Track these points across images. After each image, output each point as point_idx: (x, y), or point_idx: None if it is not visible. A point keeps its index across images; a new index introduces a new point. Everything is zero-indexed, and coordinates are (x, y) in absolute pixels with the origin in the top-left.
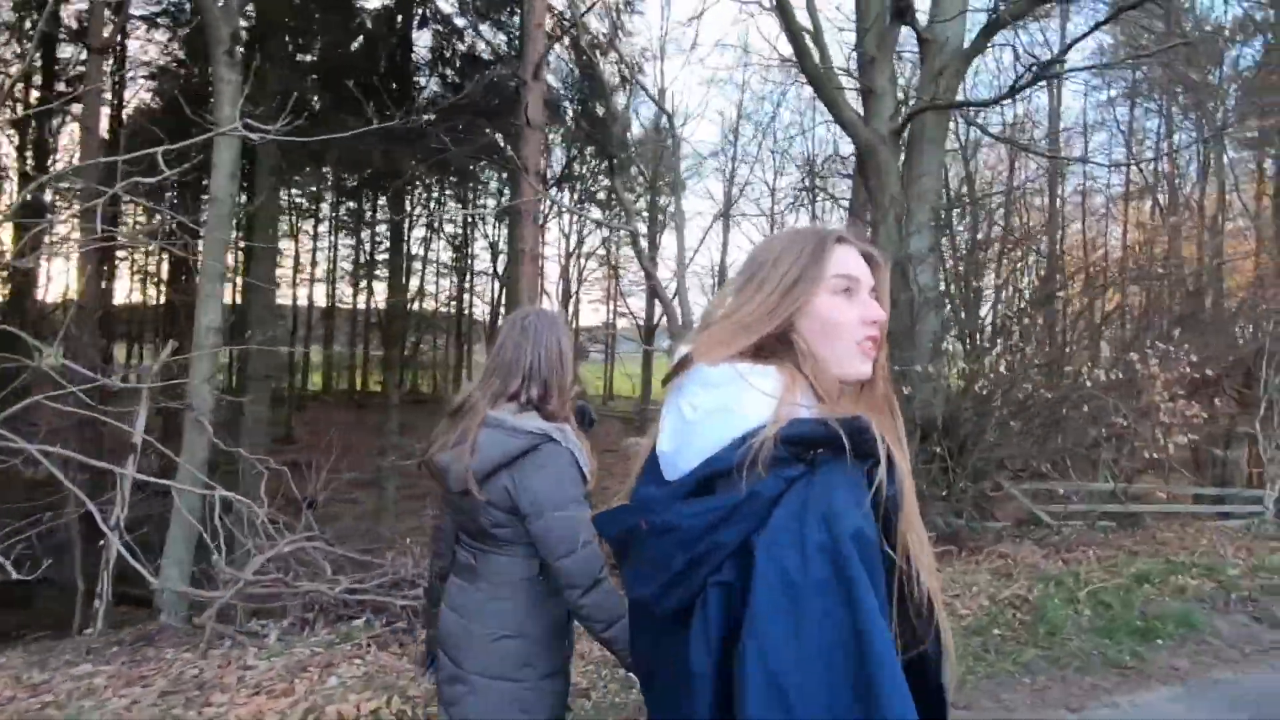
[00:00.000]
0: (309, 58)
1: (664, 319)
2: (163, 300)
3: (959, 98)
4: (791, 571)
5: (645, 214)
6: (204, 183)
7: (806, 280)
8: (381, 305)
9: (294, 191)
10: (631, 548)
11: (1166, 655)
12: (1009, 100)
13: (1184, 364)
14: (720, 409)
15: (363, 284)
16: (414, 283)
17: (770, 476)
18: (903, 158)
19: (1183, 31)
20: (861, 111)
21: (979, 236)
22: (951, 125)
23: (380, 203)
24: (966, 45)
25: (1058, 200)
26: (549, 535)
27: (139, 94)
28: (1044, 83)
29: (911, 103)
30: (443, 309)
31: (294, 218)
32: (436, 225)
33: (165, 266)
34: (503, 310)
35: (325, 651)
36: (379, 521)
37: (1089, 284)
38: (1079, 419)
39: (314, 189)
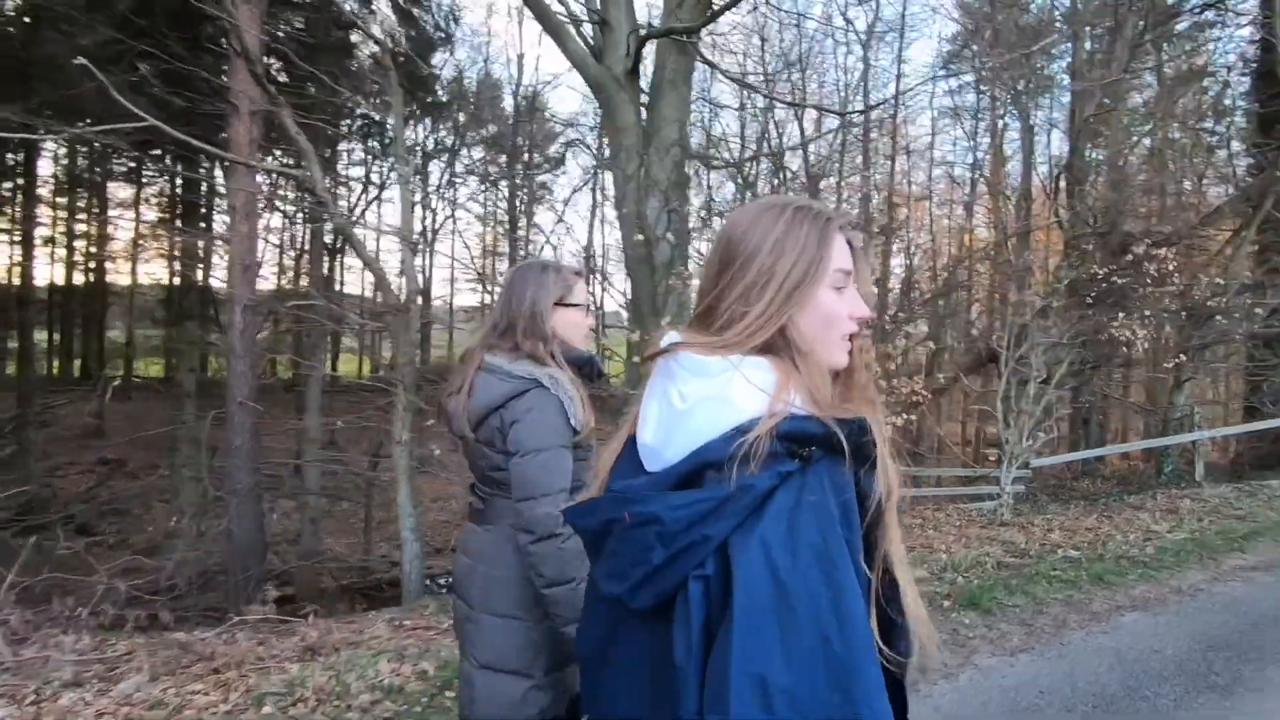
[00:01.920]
0: None
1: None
2: None
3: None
4: (781, 570)
5: (505, 186)
6: None
7: (811, 280)
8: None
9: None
10: (608, 541)
11: None
12: (713, 23)
13: (906, 338)
14: (713, 399)
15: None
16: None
17: (763, 471)
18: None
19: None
20: (601, 50)
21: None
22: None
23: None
24: None
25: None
26: (519, 476)
27: None
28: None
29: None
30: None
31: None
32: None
33: None
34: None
35: None
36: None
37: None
38: None
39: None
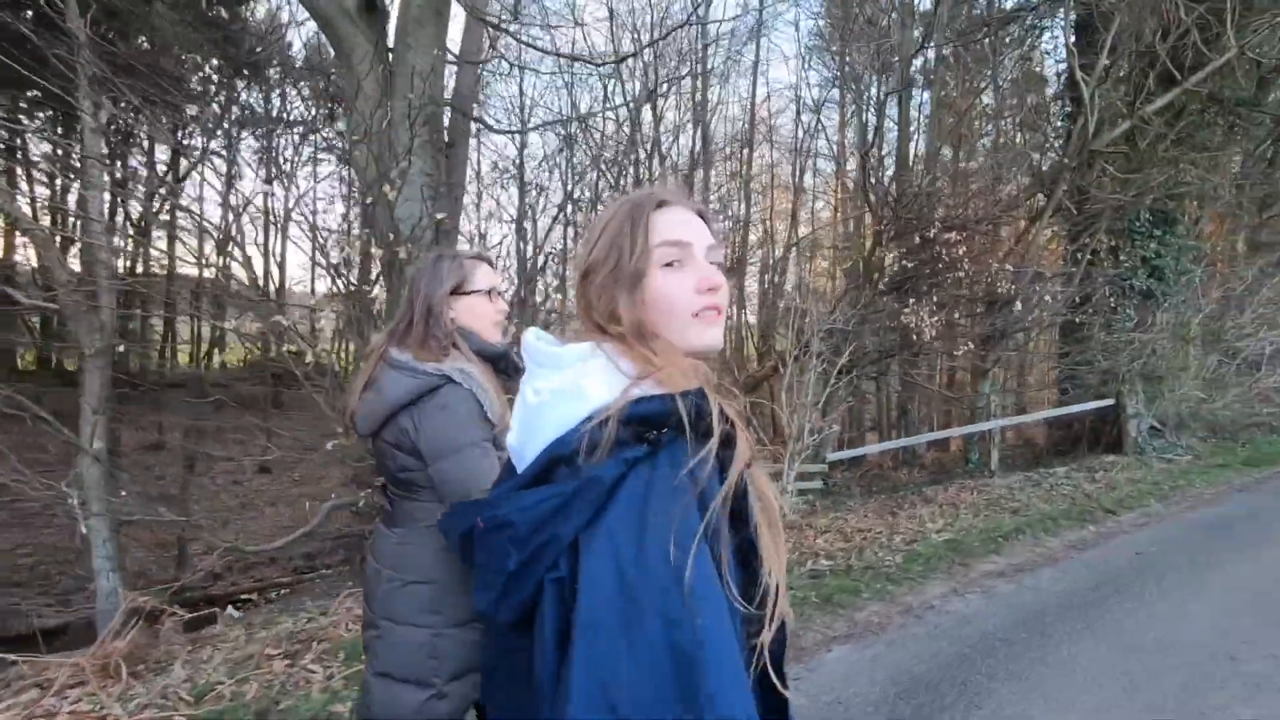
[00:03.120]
0: None
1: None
2: None
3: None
4: (627, 567)
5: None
6: None
7: (632, 258)
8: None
9: None
10: (472, 551)
11: None
12: None
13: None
14: (565, 391)
15: None
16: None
17: (610, 460)
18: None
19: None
20: None
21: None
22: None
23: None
24: None
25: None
26: (443, 478)
27: None
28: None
29: None
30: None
31: None
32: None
33: None
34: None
35: None
36: None
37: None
38: None
39: None
